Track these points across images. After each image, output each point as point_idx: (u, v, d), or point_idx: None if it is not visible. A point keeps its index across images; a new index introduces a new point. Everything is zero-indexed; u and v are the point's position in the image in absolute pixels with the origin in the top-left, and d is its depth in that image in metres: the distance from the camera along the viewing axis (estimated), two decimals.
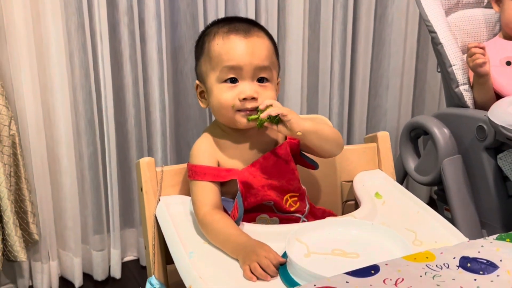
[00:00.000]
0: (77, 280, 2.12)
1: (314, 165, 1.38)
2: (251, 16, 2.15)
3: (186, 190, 1.35)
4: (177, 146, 2.27)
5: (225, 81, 1.25)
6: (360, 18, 2.40)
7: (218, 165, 1.29)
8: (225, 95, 1.24)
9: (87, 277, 2.18)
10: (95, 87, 2.03)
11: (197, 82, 1.32)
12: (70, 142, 2.01)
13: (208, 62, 1.27)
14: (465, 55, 1.93)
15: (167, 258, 1.31)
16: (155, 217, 1.30)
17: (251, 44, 1.24)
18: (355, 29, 2.42)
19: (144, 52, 2.08)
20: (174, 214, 1.27)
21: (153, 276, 1.28)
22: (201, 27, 2.11)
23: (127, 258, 2.29)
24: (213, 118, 2.15)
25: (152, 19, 2.03)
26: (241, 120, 1.25)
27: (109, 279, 2.19)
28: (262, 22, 2.18)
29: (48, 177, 2.01)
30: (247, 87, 1.24)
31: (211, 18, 2.11)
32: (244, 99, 1.23)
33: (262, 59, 1.25)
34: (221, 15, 2.12)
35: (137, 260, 2.28)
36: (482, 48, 1.83)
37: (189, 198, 1.31)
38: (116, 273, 2.18)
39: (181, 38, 2.18)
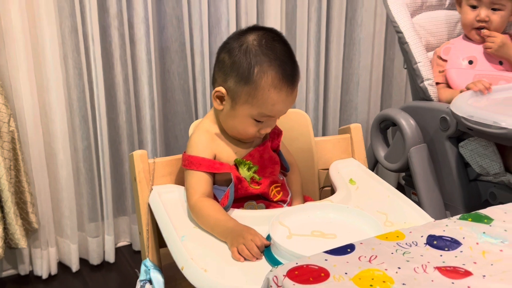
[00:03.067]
0: (74, 265, 2.12)
1: (286, 168, 1.40)
2: (232, 18, 2.15)
3: (177, 180, 1.35)
4: (166, 139, 2.27)
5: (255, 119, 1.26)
6: (332, 20, 2.41)
7: (214, 157, 1.29)
8: (251, 128, 1.26)
9: (83, 261, 2.17)
10: (88, 86, 2.01)
11: (222, 90, 1.24)
12: (66, 137, 2.00)
13: (250, 95, 1.22)
14: (429, 53, 1.94)
15: (159, 242, 1.32)
16: (148, 204, 1.30)
17: (292, 99, 1.25)
18: (328, 30, 2.42)
19: (134, 53, 2.07)
20: (166, 201, 1.28)
21: (147, 258, 1.29)
22: (186, 29, 2.11)
23: (120, 244, 2.28)
24: (199, 115, 2.17)
25: (141, 22, 2.02)
26: (255, 137, 1.30)
27: (104, 263, 2.19)
28: (242, 24, 2.18)
29: (46, 170, 2.01)
30: (270, 127, 1.28)
31: (195, 21, 2.11)
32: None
33: None
34: (204, 18, 2.10)
35: (130, 245, 2.28)
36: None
37: (179, 186, 1.32)
38: (110, 257, 2.18)
39: (168, 40, 2.17)
